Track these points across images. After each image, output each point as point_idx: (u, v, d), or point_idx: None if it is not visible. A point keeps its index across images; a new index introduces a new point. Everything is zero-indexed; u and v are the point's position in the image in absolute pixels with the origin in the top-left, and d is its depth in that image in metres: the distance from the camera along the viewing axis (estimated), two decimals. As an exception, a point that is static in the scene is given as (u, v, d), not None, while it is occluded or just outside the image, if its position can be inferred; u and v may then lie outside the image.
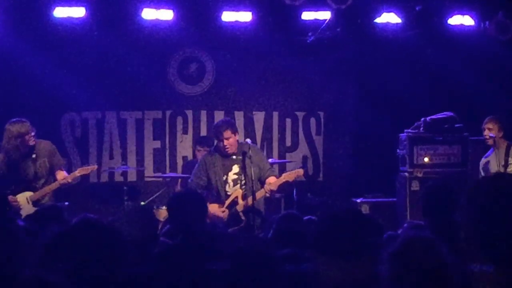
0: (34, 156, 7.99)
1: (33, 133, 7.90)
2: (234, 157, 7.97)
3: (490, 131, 8.50)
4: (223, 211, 7.94)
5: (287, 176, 8.06)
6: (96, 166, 8.78)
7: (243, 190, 7.95)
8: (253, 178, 7.71)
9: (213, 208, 7.82)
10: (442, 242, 3.08)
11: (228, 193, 8.01)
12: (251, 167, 7.76)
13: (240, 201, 7.95)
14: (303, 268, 3.63)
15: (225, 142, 7.89)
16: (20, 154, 7.91)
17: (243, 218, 7.93)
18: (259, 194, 7.92)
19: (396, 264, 3.00)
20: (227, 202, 7.97)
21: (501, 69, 10.18)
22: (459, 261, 2.94)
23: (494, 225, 2.46)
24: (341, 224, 3.87)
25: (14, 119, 7.94)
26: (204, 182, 8.01)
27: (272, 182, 7.91)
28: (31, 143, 7.91)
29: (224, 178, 8.00)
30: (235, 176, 7.98)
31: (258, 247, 3.25)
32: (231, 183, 8.00)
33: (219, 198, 8.01)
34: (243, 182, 7.93)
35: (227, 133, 7.91)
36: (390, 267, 3.01)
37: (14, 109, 9.30)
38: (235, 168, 7.98)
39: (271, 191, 7.90)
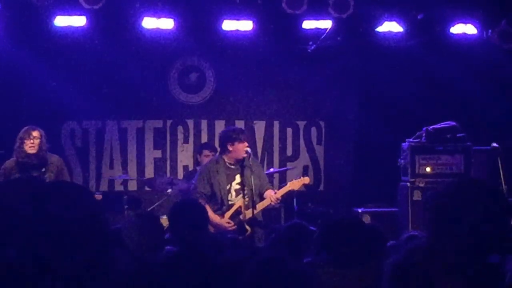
0: (43, 170, 8.08)
1: (33, 141, 8.00)
2: (233, 167, 7.93)
3: None
4: (228, 223, 7.89)
5: (292, 185, 8.12)
6: (100, 197, 8.67)
7: (246, 200, 7.91)
8: (253, 188, 7.69)
9: (219, 220, 7.83)
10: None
11: (230, 203, 7.97)
12: (251, 177, 7.73)
13: (244, 211, 7.90)
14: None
15: (246, 144, 7.88)
16: (27, 161, 8.02)
17: (247, 228, 7.89)
18: (264, 203, 7.92)
19: (397, 275, 2.95)
20: (231, 212, 7.92)
21: (504, 78, 10.12)
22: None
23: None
24: (342, 233, 3.83)
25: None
26: (208, 191, 7.93)
27: (278, 190, 7.96)
28: (30, 150, 8.01)
29: (228, 187, 7.96)
30: (238, 186, 7.93)
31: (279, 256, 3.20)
32: (234, 193, 7.97)
33: (221, 208, 7.96)
34: (245, 192, 7.88)
35: (246, 137, 8.02)
36: (391, 277, 2.96)
37: (15, 117, 9.32)
38: (238, 178, 7.93)
39: (277, 199, 7.91)
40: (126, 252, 4.24)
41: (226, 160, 7.95)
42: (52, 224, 2.04)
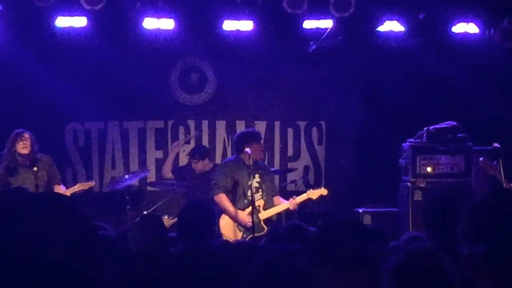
0: (35, 169, 8.39)
1: (25, 142, 8.37)
2: (252, 166, 8.08)
3: None
4: (249, 217, 8.06)
5: (311, 194, 8.39)
6: (94, 183, 9.10)
7: (264, 200, 8.19)
8: (269, 189, 8.16)
9: (241, 214, 8.08)
10: (443, 254, 3.03)
11: (250, 198, 8.11)
12: (268, 179, 8.21)
13: (262, 211, 8.15)
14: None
15: (262, 146, 8.36)
16: (18, 163, 8.37)
17: (263, 226, 8.09)
18: (281, 208, 8.23)
19: (398, 276, 2.95)
20: (250, 208, 8.06)
21: (506, 77, 10.10)
22: (460, 274, 2.88)
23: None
24: (341, 234, 3.82)
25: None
26: (230, 186, 8.16)
27: (297, 198, 8.25)
28: (23, 150, 8.38)
29: (249, 183, 8.11)
30: (257, 184, 8.16)
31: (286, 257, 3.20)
32: (254, 190, 8.12)
33: (241, 202, 8.15)
34: (263, 192, 8.20)
35: (261, 139, 8.49)
36: (392, 279, 2.95)
37: (18, 119, 9.34)
38: (257, 177, 8.18)
39: (296, 205, 8.21)
40: (119, 260, 4.23)
41: (243, 160, 8.16)
42: (39, 234, 2.03)
